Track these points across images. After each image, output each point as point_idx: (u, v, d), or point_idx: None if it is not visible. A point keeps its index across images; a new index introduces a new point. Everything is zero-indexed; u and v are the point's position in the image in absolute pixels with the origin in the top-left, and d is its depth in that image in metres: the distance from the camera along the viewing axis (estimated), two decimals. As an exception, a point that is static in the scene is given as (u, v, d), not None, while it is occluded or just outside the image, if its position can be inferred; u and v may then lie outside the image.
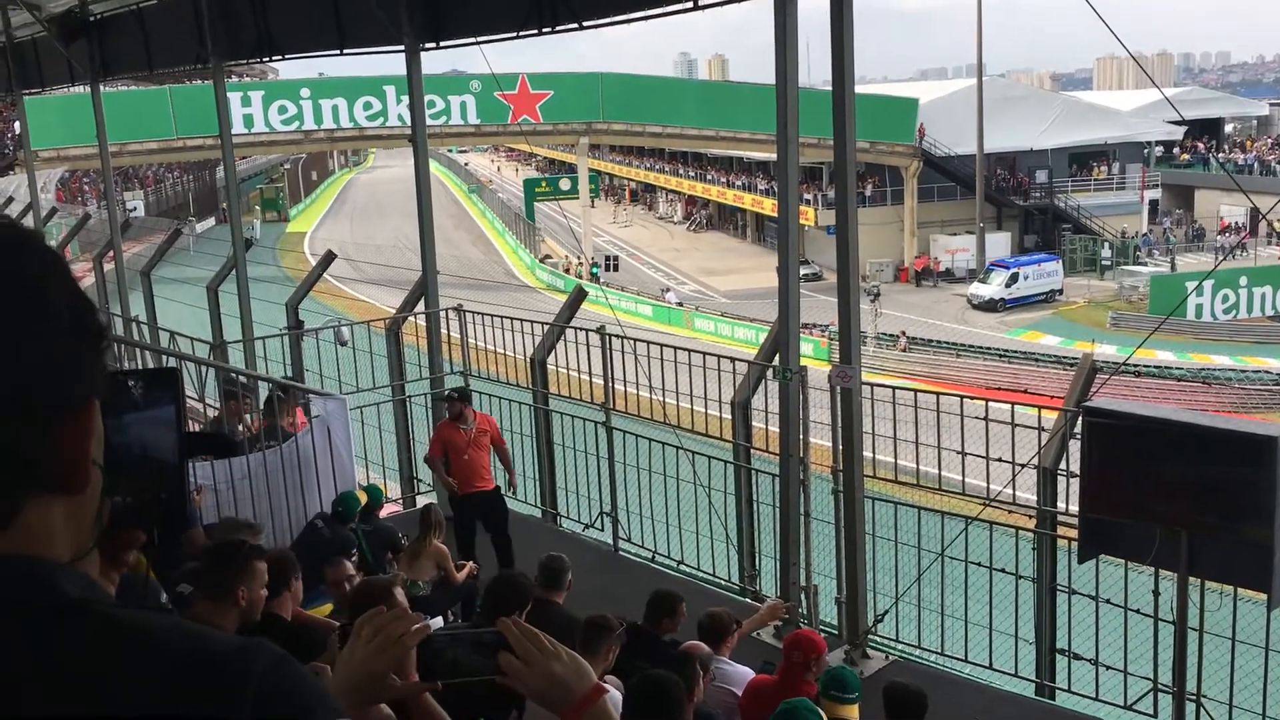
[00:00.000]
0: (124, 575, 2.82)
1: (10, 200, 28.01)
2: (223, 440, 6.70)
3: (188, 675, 0.80)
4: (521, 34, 9.99)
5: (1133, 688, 6.89)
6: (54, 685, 0.79)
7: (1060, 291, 43.03)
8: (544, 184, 57.98)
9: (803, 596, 7.89)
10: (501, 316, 10.80)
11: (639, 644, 5.25)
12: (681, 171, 60.22)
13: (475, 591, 7.16)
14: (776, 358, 8.09)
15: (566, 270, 47.31)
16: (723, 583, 8.93)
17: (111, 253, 17.47)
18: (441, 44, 10.91)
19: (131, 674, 0.80)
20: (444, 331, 11.05)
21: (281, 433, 8.27)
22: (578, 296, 10.31)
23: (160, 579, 4.16)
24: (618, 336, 9.51)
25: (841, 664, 6.62)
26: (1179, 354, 33.50)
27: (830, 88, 7.38)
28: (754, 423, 8.84)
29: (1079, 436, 5.82)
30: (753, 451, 8.86)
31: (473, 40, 10.47)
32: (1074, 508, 6.20)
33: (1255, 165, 50.51)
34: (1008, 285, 42.05)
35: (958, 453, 7.79)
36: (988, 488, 7.71)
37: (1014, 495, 7.44)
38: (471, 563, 7.82)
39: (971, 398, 8.13)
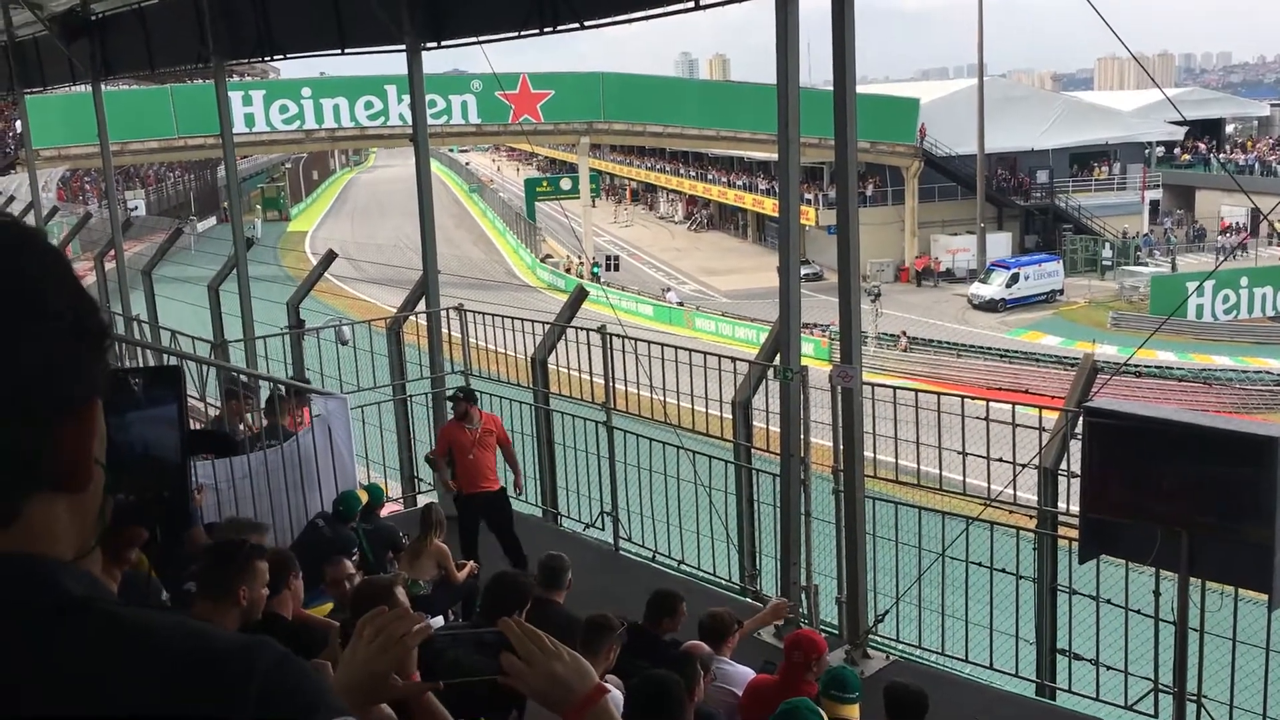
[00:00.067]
0: (126, 573, 2.82)
1: (11, 199, 28.02)
2: (223, 439, 6.72)
3: (190, 673, 0.80)
4: (522, 33, 10.00)
5: (1133, 688, 6.90)
6: (57, 683, 0.79)
7: (1061, 292, 43.01)
8: (545, 183, 58.03)
9: (803, 596, 7.89)
10: (502, 316, 10.80)
11: (640, 644, 5.25)
12: (682, 171, 60.21)
13: (476, 591, 7.15)
14: (777, 357, 8.09)
15: (567, 270, 47.31)
16: (723, 582, 8.93)
17: (113, 252, 17.49)
18: (443, 43, 10.92)
19: (134, 672, 0.80)
20: (445, 331, 11.05)
21: (283, 432, 8.27)
22: (579, 296, 10.31)
23: (161, 577, 4.16)
24: (619, 336, 9.51)
25: (842, 664, 6.62)
26: (1180, 354, 33.48)
27: (831, 88, 7.37)
28: (755, 422, 8.84)
29: (1080, 437, 5.81)
30: (753, 451, 8.86)
31: (474, 40, 10.47)
32: (1075, 508, 6.20)
33: (1256, 166, 50.47)
34: (1008, 285, 42.04)
35: (958, 453, 7.79)
36: (988, 488, 7.71)
37: (1015, 495, 7.44)
38: (472, 562, 7.82)
39: (972, 398, 8.13)
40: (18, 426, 0.84)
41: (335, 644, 3.67)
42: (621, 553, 9.61)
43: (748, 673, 5.64)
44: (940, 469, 7.93)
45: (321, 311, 16.09)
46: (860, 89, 7.75)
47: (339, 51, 11.89)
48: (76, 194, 50.41)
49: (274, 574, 4.24)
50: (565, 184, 55.04)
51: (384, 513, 8.81)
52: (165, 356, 11.19)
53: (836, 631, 7.90)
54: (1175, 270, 44.09)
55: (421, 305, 11.02)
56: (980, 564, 7.64)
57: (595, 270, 43.82)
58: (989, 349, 34.67)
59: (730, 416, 8.84)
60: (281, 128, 45.83)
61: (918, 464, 8.59)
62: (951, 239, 47.45)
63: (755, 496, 8.80)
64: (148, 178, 57.04)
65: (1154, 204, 51.18)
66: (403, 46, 10.80)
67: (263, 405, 8.78)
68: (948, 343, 35.36)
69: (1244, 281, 39.88)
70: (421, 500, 10.40)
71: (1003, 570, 7.64)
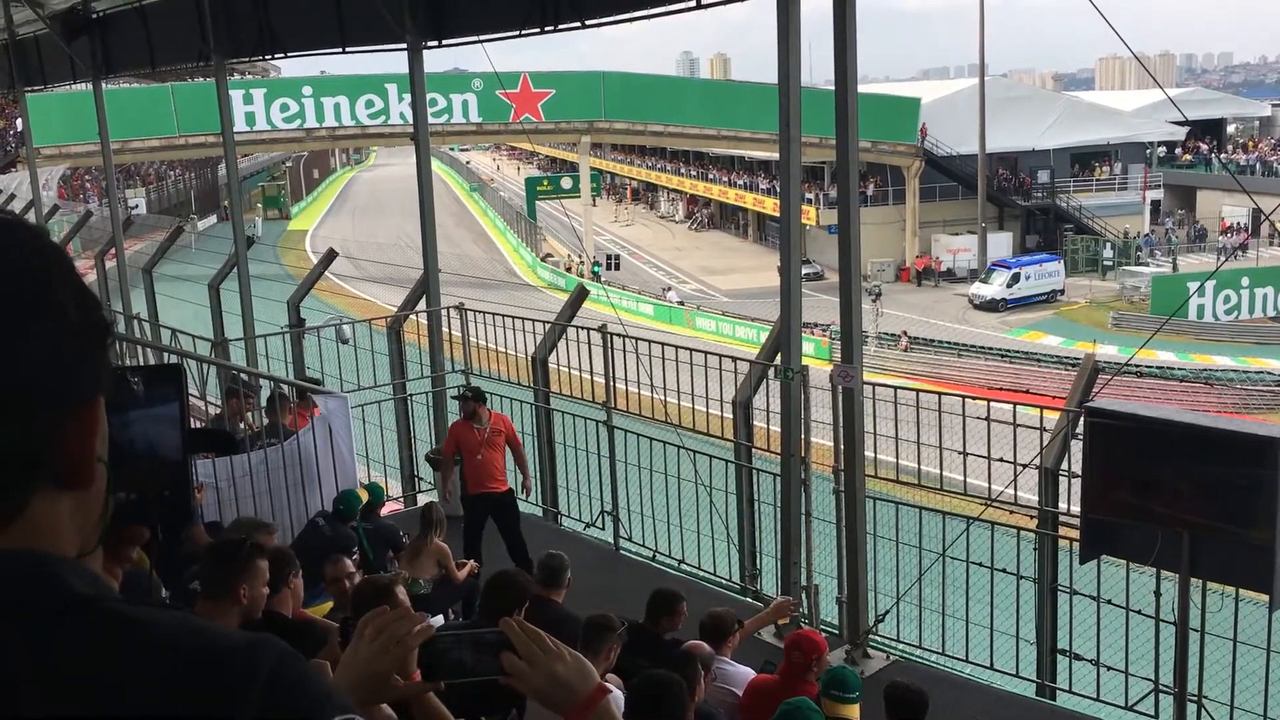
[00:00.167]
0: (127, 571, 2.82)
1: (12, 197, 28.04)
2: (224, 437, 6.71)
3: (194, 671, 0.80)
4: (523, 32, 10.00)
5: (1134, 688, 6.89)
6: (62, 680, 0.79)
7: (1062, 292, 43.01)
8: (545, 182, 58.03)
9: (804, 596, 7.89)
10: (503, 315, 10.79)
11: (640, 643, 5.25)
12: (683, 170, 60.22)
13: (476, 590, 7.15)
14: (778, 357, 8.09)
15: (568, 269, 47.31)
16: (724, 582, 8.93)
17: (113, 250, 17.50)
18: (443, 42, 10.92)
19: (138, 670, 0.80)
20: (445, 330, 11.05)
21: (283, 430, 8.27)
22: (579, 295, 10.30)
23: (161, 575, 4.16)
24: (619, 335, 9.50)
25: (842, 664, 6.62)
26: (1180, 355, 33.48)
27: (832, 87, 7.37)
28: (755, 422, 8.84)
29: (1081, 437, 5.81)
30: (754, 451, 8.85)
31: (475, 39, 10.47)
32: (1075, 508, 6.20)
33: (1257, 166, 50.47)
34: (1009, 285, 42.04)
35: (959, 453, 7.79)
36: (989, 488, 7.70)
37: (1015, 496, 7.44)
38: (472, 562, 7.82)
39: (973, 398, 8.13)
40: (21, 423, 0.84)
41: (335, 644, 3.67)
42: (622, 552, 9.61)
43: (748, 672, 5.64)
44: (941, 469, 7.93)
45: (322, 310, 16.12)
46: (861, 88, 7.74)
47: (340, 50, 11.90)
48: (77, 192, 50.43)
49: (274, 572, 4.23)
50: (566, 183, 55.05)
51: (384, 512, 8.81)
52: (165, 355, 11.20)
53: (837, 631, 7.89)
54: (1176, 270, 44.08)
55: (422, 304, 11.03)
56: (981, 564, 7.64)
57: (596, 269, 43.84)
58: (990, 349, 34.67)
59: (731, 416, 8.84)
60: (282, 126, 45.85)
61: (918, 464, 8.59)
62: (952, 239, 47.45)
63: (756, 496, 8.79)
64: (148, 176, 57.06)
65: (1155, 204, 51.17)
66: (403, 45, 10.81)
67: (263, 404, 8.78)
68: (948, 343, 35.36)
69: (1245, 282, 39.89)
70: (422, 499, 10.40)
71: (1003, 570, 7.64)
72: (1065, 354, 32.56)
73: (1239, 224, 46.70)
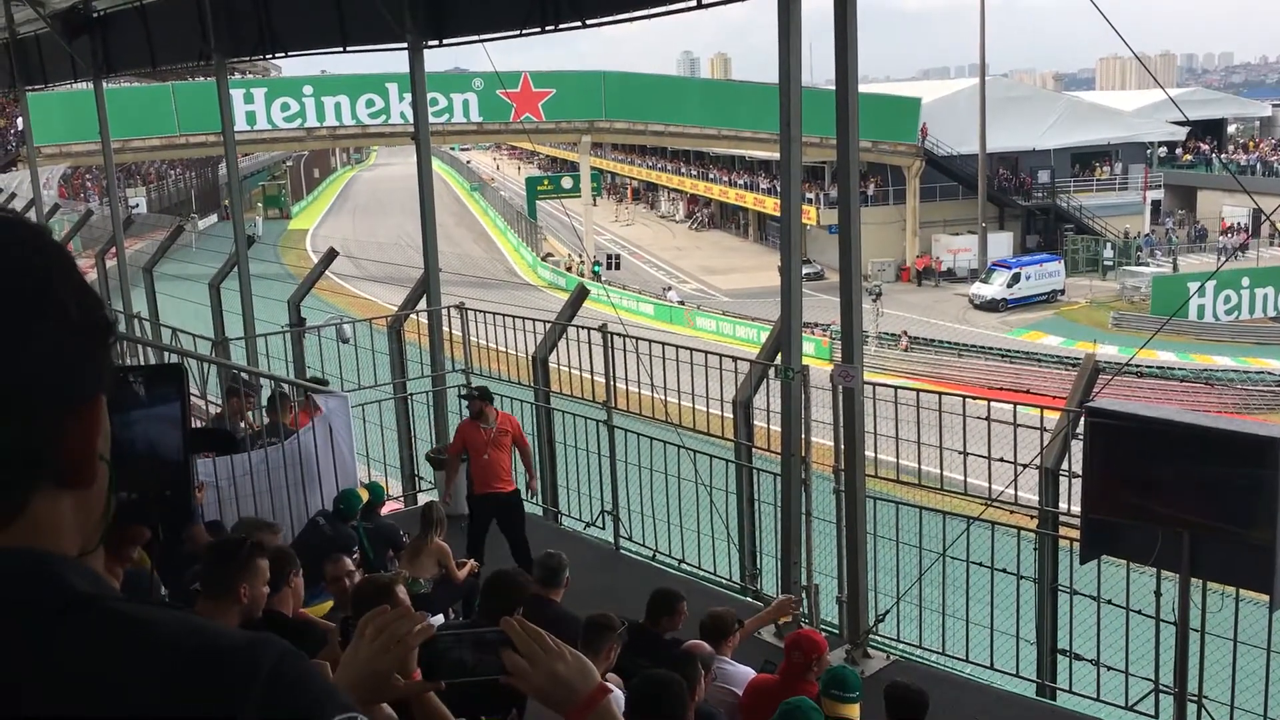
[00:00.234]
0: (128, 571, 2.82)
1: (13, 196, 28.05)
2: (225, 436, 6.70)
3: (195, 670, 0.80)
4: (524, 32, 10.01)
5: (1134, 688, 6.89)
6: (62, 679, 0.79)
7: (1062, 292, 42.99)
8: (546, 182, 57.98)
9: (804, 596, 7.89)
10: (503, 314, 10.79)
11: (640, 643, 5.25)
12: (684, 170, 60.21)
13: (476, 590, 7.15)
14: (778, 357, 8.09)
15: (568, 268, 47.31)
16: (724, 582, 8.93)
17: (114, 249, 17.50)
18: (444, 42, 10.93)
19: (139, 669, 0.80)
20: (446, 329, 11.06)
21: (284, 430, 8.27)
22: (580, 295, 10.31)
23: (161, 575, 4.16)
24: (620, 335, 9.50)
25: (842, 663, 6.62)
26: (1181, 355, 33.47)
27: (833, 87, 7.37)
28: (756, 422, 8.84)
29: (1081, 437, 5.81)
30: (754, 450, 8.85)
31: (475, 38, 10.48)
32: (1076, 508, 6.20)
33: (1258, 166, 50.44)
34: (1009, 285, 42.02)
35: (959, 453, 7.78)
36: (989, 488, 7.70)
37: (1016, 495, 7.44)
38: (472, 561, 7.82)
39: (973, 398, 8.13)
40: (23, 422, 0.84)
41: (335, 644, 3.67)
42: (622, 552, 9.62)
43: (748, 672, 5.64)
44: (941, 469, 7.93)
45: (322, 309, 16.12)
46: (862, 88, 7.74)
47: (340, 49, 11.90)
48: (78, 191, 50.44)
49: (275, 571, 4.24)
50: (566, 182, 55.00)
51: (384, 511, 8.81)
52: (166, 354, 11.20)
53: (837, 631, 7.90)
54: (1177, 270, 44.06)
55: (422, 303, 11.03)
56: (981, 564, 7.64)
57: (596, 269, 43.84)
58: (990, 349, 34.66)
59: (731, 416, 8.84)
60: (283, 125, 45.84)
61: (919, 464, 8.58)
62: (953, 239, 47.43)
63: (756, 496, 8.80)
64: (149, 175, 57.07)
65: (1155, 204, 51.15)
66: (404, 45, 10.81)
67: (264, 403, 8.78)
68: (949, 342, 35.35)
69: (1245, 282, 39.87)
70: (422, 499, 10.41)
71: (1004, 570, 7.64)
72: (1065, 354, 32.55)
73: (1239, 224, 46.69)
